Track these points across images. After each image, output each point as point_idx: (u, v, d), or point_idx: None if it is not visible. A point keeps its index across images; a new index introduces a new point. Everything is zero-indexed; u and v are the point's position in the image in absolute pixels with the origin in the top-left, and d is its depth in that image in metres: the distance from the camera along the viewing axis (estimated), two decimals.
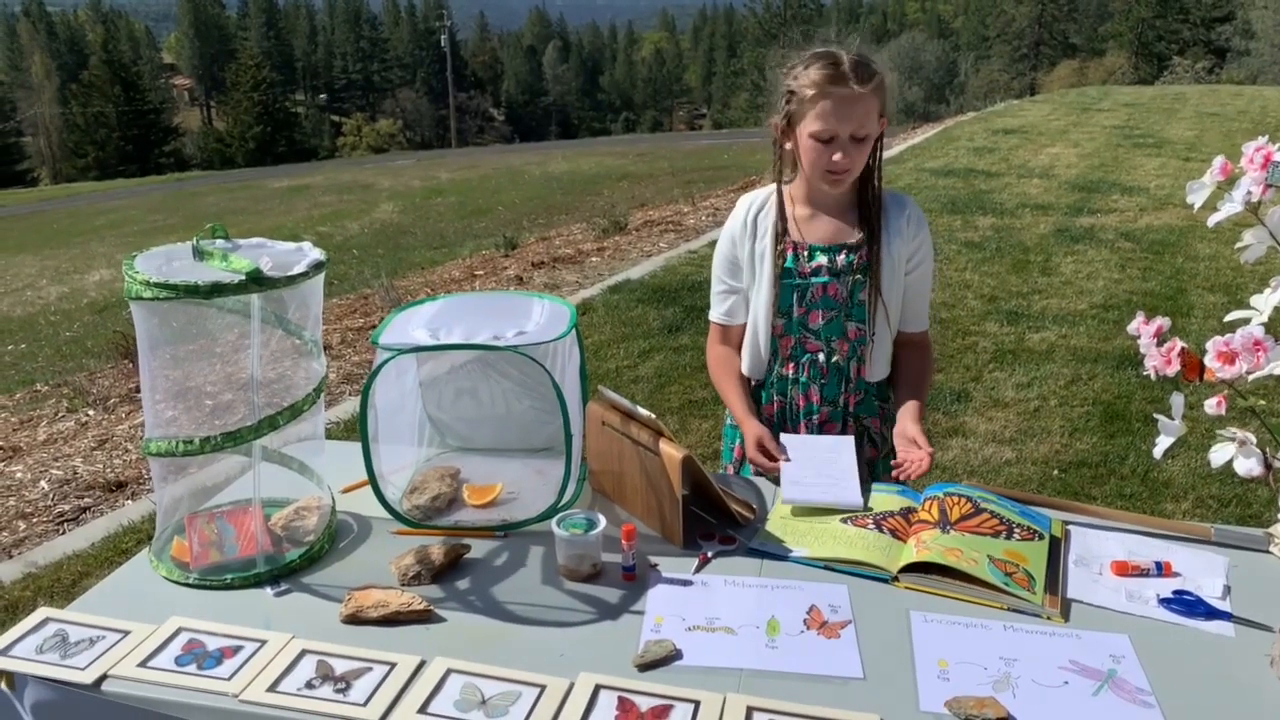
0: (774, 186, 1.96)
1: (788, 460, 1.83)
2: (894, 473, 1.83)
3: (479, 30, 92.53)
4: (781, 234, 1.93)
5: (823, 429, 1.99)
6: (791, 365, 1.99)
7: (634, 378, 4.84)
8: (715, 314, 2.06)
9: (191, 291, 1.39)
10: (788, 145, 1.88)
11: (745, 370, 2.04)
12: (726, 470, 2.15)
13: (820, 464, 1.81)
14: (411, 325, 1.67)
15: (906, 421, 1.91)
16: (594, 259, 7.64)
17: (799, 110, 1.81)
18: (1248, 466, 1.17)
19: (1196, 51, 43.01)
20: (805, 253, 1.92)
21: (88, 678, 1.29)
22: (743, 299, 2.01)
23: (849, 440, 1.88)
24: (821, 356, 1.96)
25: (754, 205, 1.98)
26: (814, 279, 1.92)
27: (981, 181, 9.50)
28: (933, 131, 14.32)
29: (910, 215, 1.92)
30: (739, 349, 2.05)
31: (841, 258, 1.91)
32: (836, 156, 1.78)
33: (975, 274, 6.31)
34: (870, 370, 1.97)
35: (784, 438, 1.89)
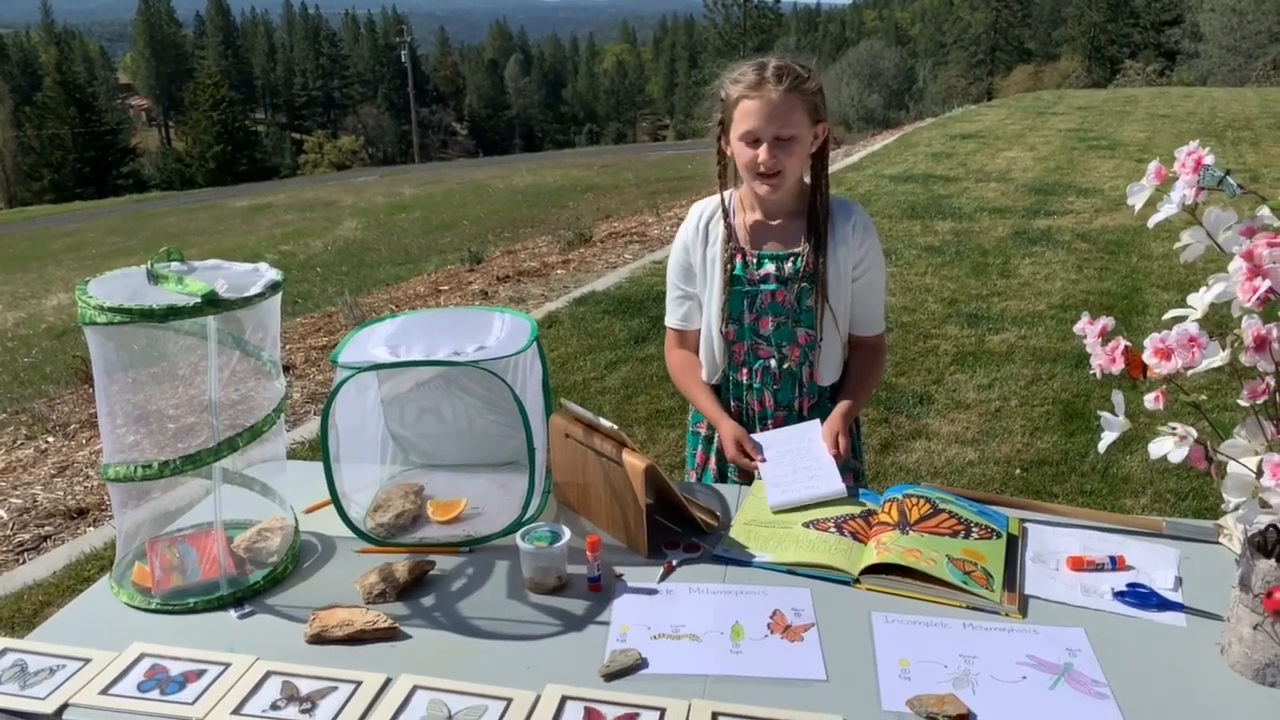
0: (720, 194, 2.00)
1: (764, 461, 1.87)
2: None
3: (439, 45, 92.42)
4: (730, 241, 1.97)
5: None
6: (745, 371, 2.03)
7: (601, 389, 4.85)
8: (671, 319, 2.10)
9: (146, 315, 1.39)
10: (728, 151, 1.93)
11: (703, 376, 2.08)
12: (690, 477, 2.17)
13: (795, 457, 1.85)
14: (371, 343, 1.67)
15: (832, 419, 1.94)
16: (559, 271, 7.65)
17: (728, 115, 1.88)
18: (1180, 455, 1.20)
19: (1148, 54, 43.91)
20: (754, 260, 1.96)
21: (48, 707, 1.28)
22: (698, 304, 2.05)
23: (815, 425, 1.92)
24: (773, 362, 2.00)
25: (706, 212, 2.02)
26: (762, 286, 1.96)
27: (940, 186, 9.63)
28: (892, 138, 14.50)
29: (856, 222, 1.96)
30: (697, 352, 2.09)
31: (789, 265, 1.95)
32: (761, 156, 1.83)
33: (935, 278, 6.39)
34: (821, 374, 2.02)
35: (755, 437, 1.94)
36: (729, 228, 1.98)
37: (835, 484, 1.77)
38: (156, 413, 1.65)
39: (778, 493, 1.78)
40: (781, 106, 1.81)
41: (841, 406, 1.97)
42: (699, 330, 2.07)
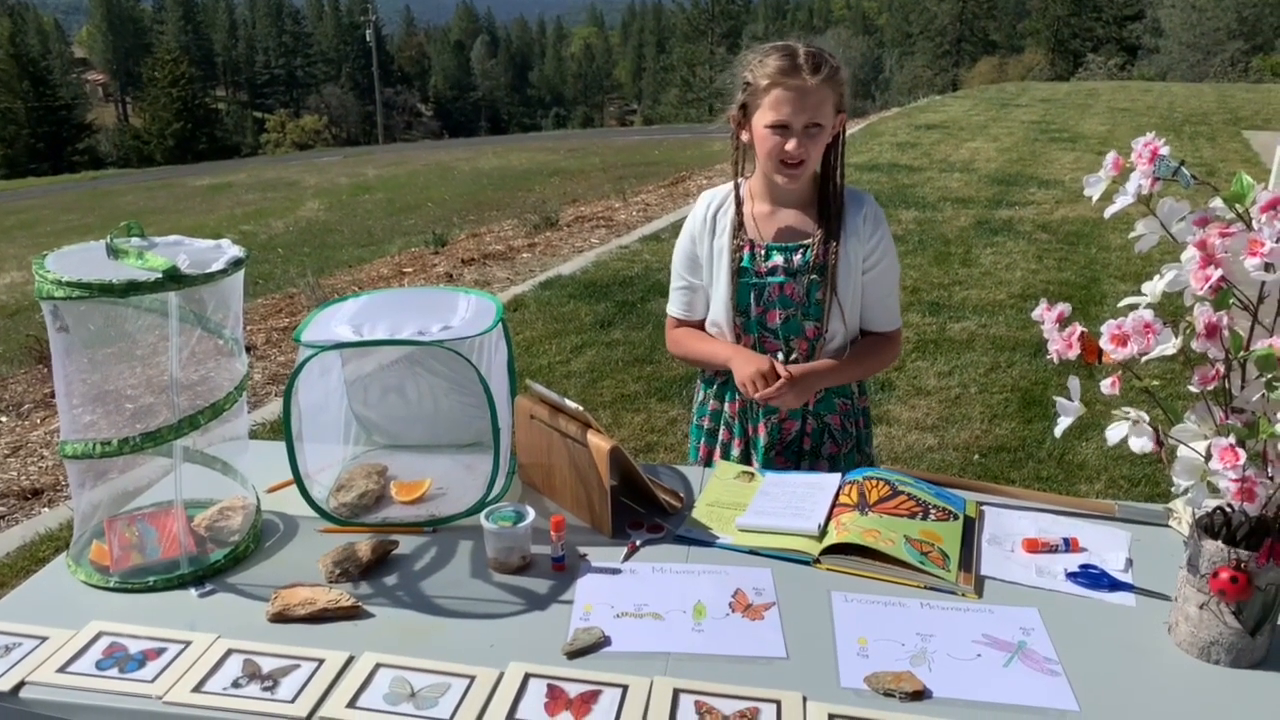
0: (734, 183, 1.96)
1: (763, 492, 1.78)
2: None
3: (405, 24, 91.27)
4: (739, 232, 1.93)
5: (782, 426, 2.00)
6: None
7: (566, 373, 4.85)
8: (673, 309, 2.06)
9: (106, 290, 1.37)
10: (744, 137, 1.88)
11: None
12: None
13: (791, 499, 1.73)
14: (334, 322, 1.66)
15: (805, 365, 1.91)
16: (525, 255, 7.62)
17: (754, 101, 1.82)
18: (1141, 444, 1.23)
19: (1110, 49, 44.48)
20: (762, 252, 1.91)
21: (4, 685, 1.26)
22: (702, 295, 2.01)
23: (835, 478, 1.79)
24: (781, 355, 1.94)
25: (714, 201, 1.97)
26: (770, 278, 1.91)
27: (904, 176, 9.71)
28: (857, 127, 14.55)
29: (868, 213, 1.91)
30: None
31: (797, 257, 1.90)
32: (790, 145, 1.78)
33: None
34: None
35: (769, 475, 1.84)
36: (740, 218, 1.93)
37: (812, 522, 1.63)
38: (114, 393, 1.63)
39: (752, 517, 1.68)
40: (815, 96, 1.76)
41: (822, 360, 1.93)
42: (701, 321, 2.03)
